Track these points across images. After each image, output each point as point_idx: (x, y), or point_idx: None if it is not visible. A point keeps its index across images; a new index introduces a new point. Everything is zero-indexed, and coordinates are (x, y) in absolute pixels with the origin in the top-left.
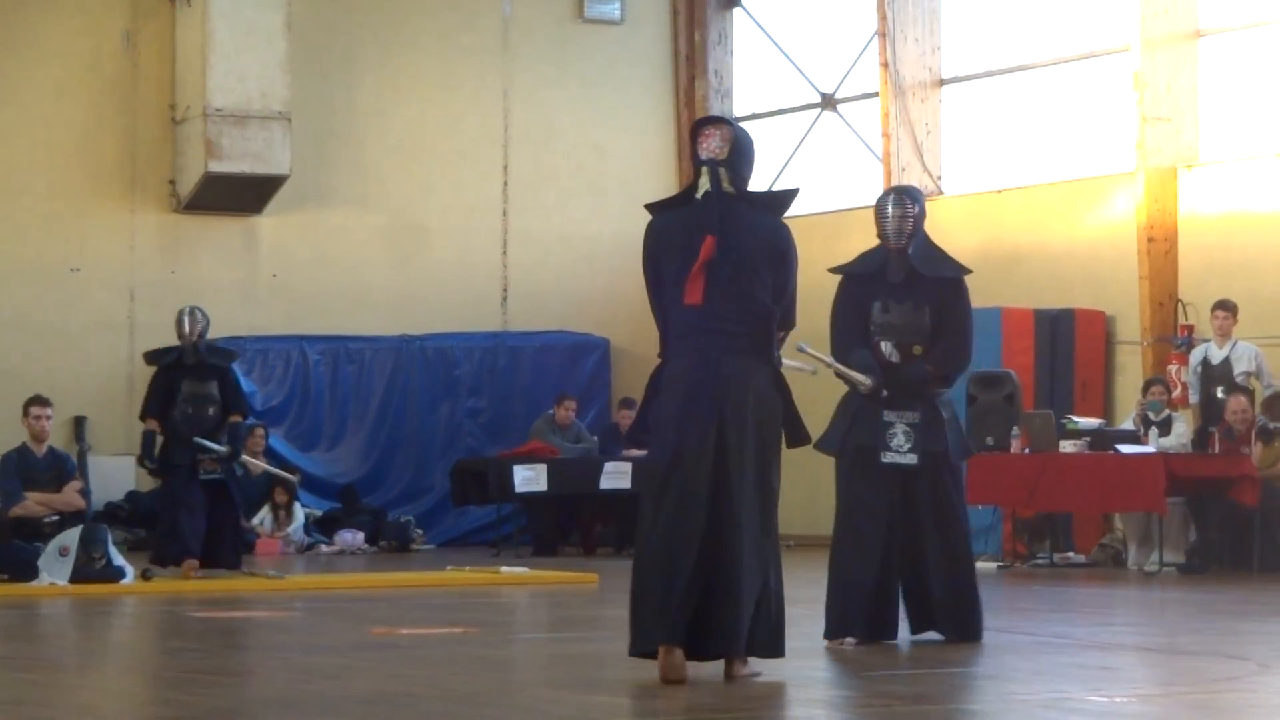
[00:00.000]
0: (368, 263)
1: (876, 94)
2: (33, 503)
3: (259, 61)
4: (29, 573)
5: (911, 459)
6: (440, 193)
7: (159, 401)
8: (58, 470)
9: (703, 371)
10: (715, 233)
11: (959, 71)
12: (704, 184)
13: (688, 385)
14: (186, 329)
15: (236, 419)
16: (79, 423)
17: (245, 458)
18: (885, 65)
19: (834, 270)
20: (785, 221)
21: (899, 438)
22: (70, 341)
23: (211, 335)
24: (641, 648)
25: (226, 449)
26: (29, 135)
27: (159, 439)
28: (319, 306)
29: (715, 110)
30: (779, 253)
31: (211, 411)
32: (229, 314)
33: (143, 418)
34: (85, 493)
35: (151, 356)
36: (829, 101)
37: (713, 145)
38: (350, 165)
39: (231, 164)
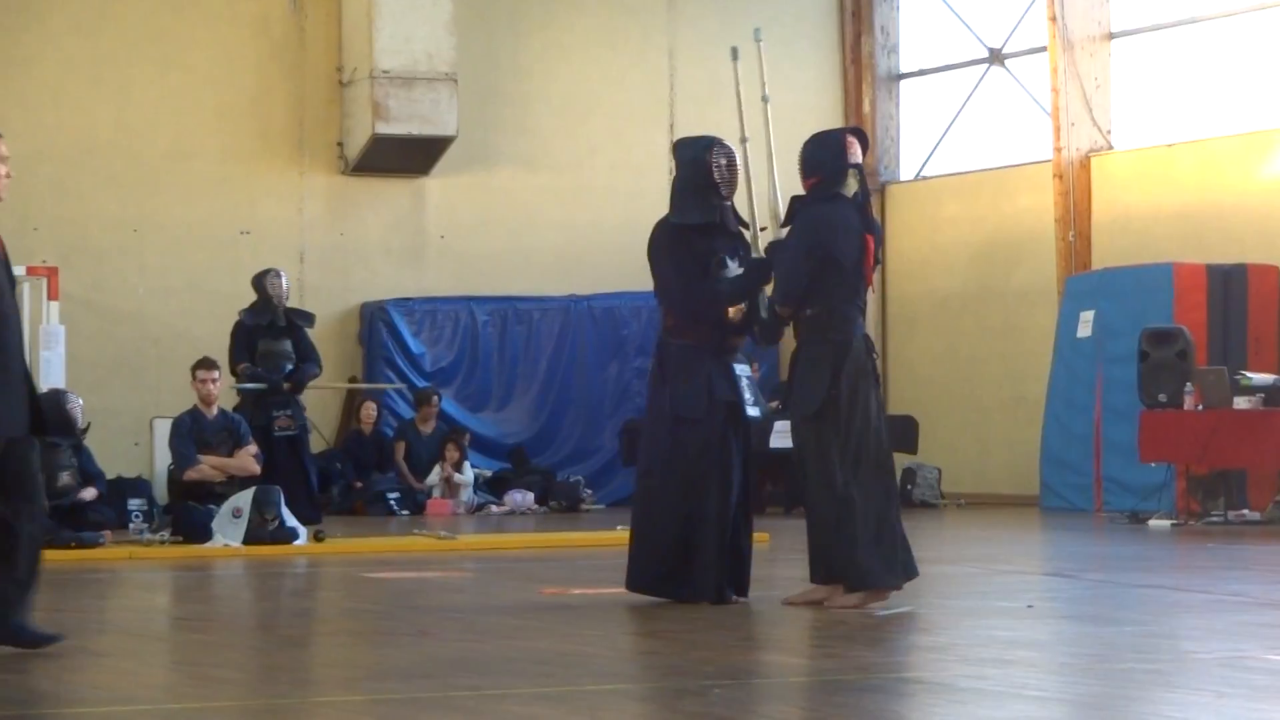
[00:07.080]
0: (535, 223)
1: (1045, 48)
2: (207, 467)
3: (425, 23)
4: (203, 534)
5: (757, 412)
6: (606, 152)
7: (245, 354)
8: (229, 432)
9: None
10: (873, 233)
11: (1128, 25)
12: (853, 185)
13: (862, 363)
14: (282, 291)
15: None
16: None
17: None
18: (1054, 19)
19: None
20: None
21: (747, 393)
22: (241, 304)
23: (380, 297)
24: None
25: (263, 385)
26: (199, 100)
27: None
28: (487, 267)
29: (882, 68)
30: None
31: (287, 369)
32: (397, 275)
33: (234, 370)
34: (259, 457)
35: (248, 315)
36: (997, 57)
37: (859, 154)
38: (516, 126)
39: (399, 126)
